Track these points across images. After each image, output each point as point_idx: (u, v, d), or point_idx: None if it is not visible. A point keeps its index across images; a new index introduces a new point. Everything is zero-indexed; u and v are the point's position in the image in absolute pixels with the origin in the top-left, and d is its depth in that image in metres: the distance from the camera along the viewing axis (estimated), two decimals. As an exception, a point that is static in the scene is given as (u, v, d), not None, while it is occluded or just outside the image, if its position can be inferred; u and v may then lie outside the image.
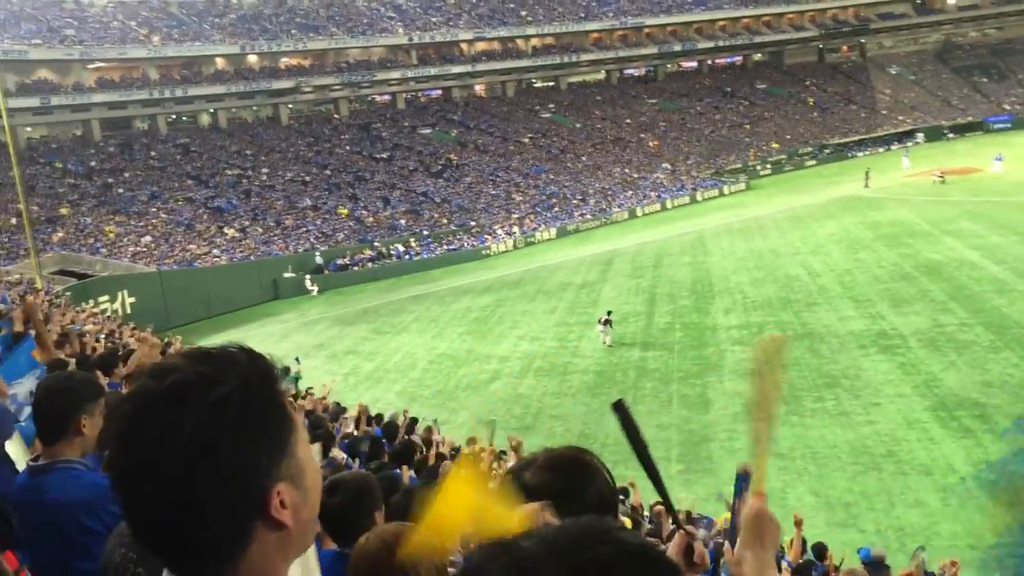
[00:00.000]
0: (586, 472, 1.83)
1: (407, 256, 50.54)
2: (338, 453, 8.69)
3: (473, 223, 55.63)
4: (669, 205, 60.22)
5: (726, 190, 62.90)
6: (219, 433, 1.19)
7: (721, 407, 21.00)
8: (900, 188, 51.99)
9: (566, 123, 73.85)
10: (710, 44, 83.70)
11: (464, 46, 75.53)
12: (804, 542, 11.29)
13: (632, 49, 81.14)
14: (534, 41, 78.60)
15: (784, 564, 10.57)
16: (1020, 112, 76.78)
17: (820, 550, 11.30)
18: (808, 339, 25.11)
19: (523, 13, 77.43)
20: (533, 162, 65.99)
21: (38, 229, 41.16)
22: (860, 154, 72.12)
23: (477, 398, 24.53)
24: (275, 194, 56.19)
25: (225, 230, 50.35)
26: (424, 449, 11.28)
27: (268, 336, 35.22)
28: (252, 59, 66.51)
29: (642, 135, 73.25)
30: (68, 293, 32.56)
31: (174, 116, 64.81)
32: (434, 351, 30.41)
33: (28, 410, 5.70)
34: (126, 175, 54.86)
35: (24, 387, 5.97)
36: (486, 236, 53.47)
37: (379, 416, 15.19)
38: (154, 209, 50.97)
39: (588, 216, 57.58)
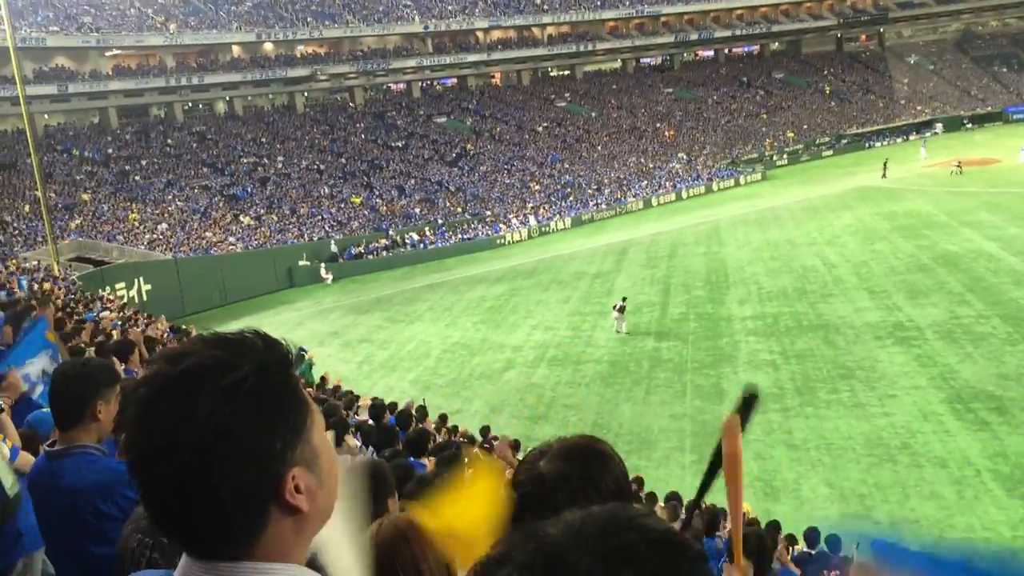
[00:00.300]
0: (600, 460, 1.82)
1: (422, 245, 50.61)
2: (352, 440, 8.72)
3: (488, 212, 55.64)
4: (684, 195, 60.01)
5: (742, 180, 62.60)
6: (233, 417, 1.20)
7: (735, 397, 20.77)
8: (918, 179, 51.60)
9: (582, 112, 73.64)
10: (727, 33, 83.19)
11: (480, 34, 75.37)
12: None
13: (648, 38, 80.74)
14: (550, 29, 78.33)
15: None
16: (1040, 102, 76.10)
17: (834, 542, 11.27)
18: (823, 330, 25.02)
19: (539, 1, 77.12)
20: (548, 151, 65.89)
21: (55, 216, 41.42)
22: (878, 144, 71.64)
23: (491, 387, 24.56)
24: (290, 182, 56.34)
25: (241, 218, 50.54)
26: (436, 437, 11.31)
27: (283, 324, 35.35)
28: (268, 47, 66.59)
29: (658, 124, 72.98)
30: (80, 283, 32.77)
31: (190, 104, 65.05)
32: (448, 340, 30.46)
33: (41, 388, 5.76)
34: (143, 163, 55.12)
35: (37, 366, 6.05)
36: (501, 225, 53.45)
37: (393, 404, 15.23)
38: (170, 197, 51.22)
39: (603, 205, 57.45)
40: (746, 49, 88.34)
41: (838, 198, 48.43)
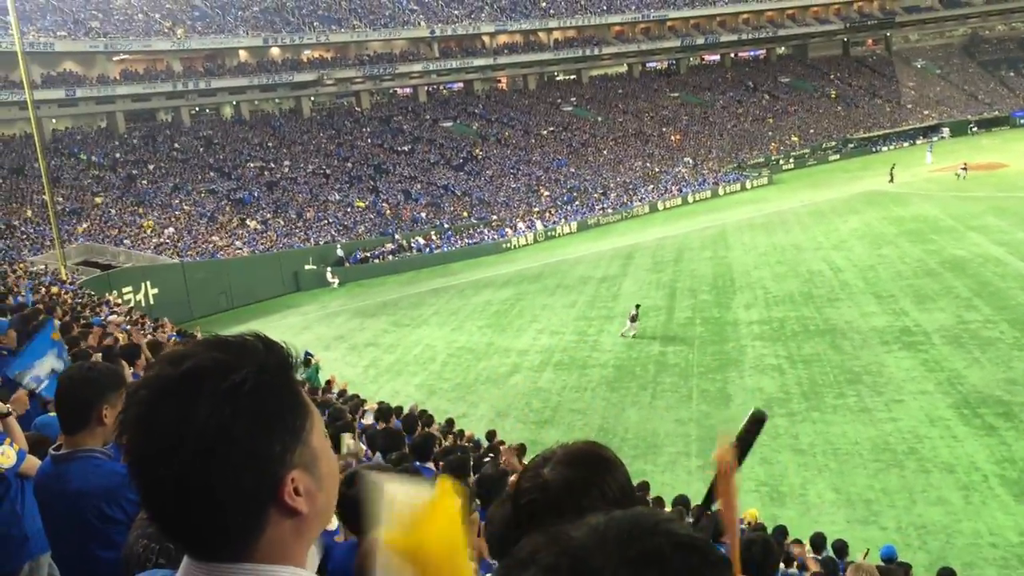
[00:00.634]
0: (604, 466, 1.82)
1: (427, 249, 50.63)
2: (349, 440, 8.70)
3: (494, 216, 55.66)
4: (691, 199, 59.94)
5: (748, 184, 62.53)
6: (233, 419, 1.20)
7: (741, 402, 20.89)
8: (924, 183, 51.48)
9: (588, 116, 73.67)
10: (733, 37, 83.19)
11: (486, 39, 75.49)
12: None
13: (654, 42, 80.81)
14: (556, 34, 78.41)
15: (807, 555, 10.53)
16: (1048, 107, 75.95)
17: (840, 547, 11.24)
18: (830, 335, 24.96)
19: (545, 6, 77.22)
20: (554, 155, 65.93)
21: (63, 220, 41.57)
22: (884, 149, 71.50)
23: (496, 391, 24.55)
24: (297, 186, 56.46)
25: (247, 222, 50.66)
26: (442, 441, 11.31)
27: (289, 328, 35.38)
28: (275, 52, 66.76)
29: (664, 129, 72.99)
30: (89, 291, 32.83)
31: (197, 108, 65.24)
32: (454, 344, 30.46)
33: (46, 383, 5.82)
34: (150, 167, 55.27)
35: (45, 366, 6.11)
36: (507, 229, 53.46)
37: (399, 408, 15.24)
38: (177, 201, 51.35)
39: (609, 210, 57.43)
40: (752, 53, 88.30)
41: (845, 202, 48.34)
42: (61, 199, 45.47)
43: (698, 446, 18.63)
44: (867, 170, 60.01)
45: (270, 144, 61.73)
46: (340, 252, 48.25)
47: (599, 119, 73.42)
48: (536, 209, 56.84)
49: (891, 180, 52.62)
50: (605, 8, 78.38)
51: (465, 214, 56.04)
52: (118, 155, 55.74)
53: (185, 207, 50.87)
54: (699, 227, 47.93)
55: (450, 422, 16.80)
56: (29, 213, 44.98)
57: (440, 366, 27.98)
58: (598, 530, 0.89)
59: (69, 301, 20.24)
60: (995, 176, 50.25)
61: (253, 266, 44.78)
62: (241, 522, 1.23)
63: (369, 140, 65.13)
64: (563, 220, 55.32)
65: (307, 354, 21.46)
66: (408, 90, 74.16)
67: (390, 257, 49.38)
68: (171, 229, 47.74)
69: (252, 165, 58.05)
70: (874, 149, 71.80)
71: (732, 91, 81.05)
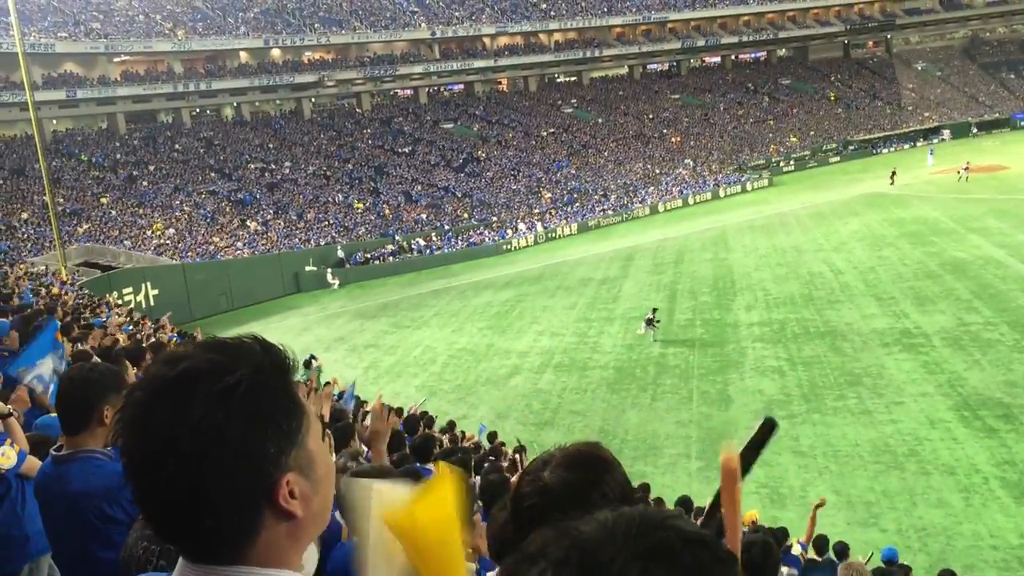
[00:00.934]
0: (603, 466, 1.82)
1: (428, 250, 50.63)
2: (359, 445, 8.70)
3: (494, 218, 55.67)
4: (691, 201, 59.96)
5: (749, 186, 62.55)
6: (226, 421, 1.20)
7: (742, 404, 20.90)
8: (924, 186, 51.49)
9: (588, 118, 73.70)
10: (734, 39, 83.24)
11: (487, 40, 75.53)
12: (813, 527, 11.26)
13: (655, 44, 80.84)
14: (557, 36, 78.45)
15: (799, 547, 10.56)
16: (1048, 109, 75.96)
17: (841, 549, 11.22)
18: (830, 337, 24.96)
19: (546, 7, 77.27)
20: (555, 157, 65.93)
21: (63, 221, 41.57)
22: (885, 151, 71.55)
23: (496, 393, 24.55)
24: (297, 188, 56.48)
25: (248, 223, 50.68)
26: (443, 443, 11.31)
27: (289, 329, 35.40)
28: (275, 53, 66.81)
29: (664, 130, 73.01)
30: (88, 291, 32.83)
31: (198, 109, 65.29)
32: (454, 346, 30.47)
33: (52, 387, 5.86)
34: (150, 168, 55.29)
35: (48, 366, 6.14)
36: (507, 231, 53.47)
37: (400, 409, 15.23)
38: (177, 202, 51.36)
39: (609, 211, 57.45)
40: (753, 55, 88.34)
41: (845, 204, 48.36)
42: (62, 200, 45.50)
43: (698, 448, 18.62)
44: (867, 172, 60.04)
45: (271, 145, 61.75)
46: (340, 253, 48.26)
47: (600, 121, 73.44)
48: (536, 211, 56.85)
49: (892, 183, 52.47)
50: (606, 10, 78.43)
51: (465, 215, 56.04)
52: (119, 156, 55.76)
53: (186, 208, 50.88)
54: (700, 229, 47.93)
55: (452, 424, 16.80)
56: (25, 215, 44.96)
57: (440, 367, 27.98)
58: (607, 525, 0.90)
59: (70, 302, 20.24)
60: (996, 178, 50.26)
61: (253, 267, 44.79)
62: (235, 524, 1.22)
63: (370, 141, 65.15)
64: (563, 221, 55.33)
65: (311, 357, 21.46)
66: (409, 91, 74.19)
67: (390, 258, 49.38)
68: (172, 230, 47.77)
69: (253, 166, 58.08)
70: (874, 151, 71.84)
71: (733, 93, 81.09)
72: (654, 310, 28.09)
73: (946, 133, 73.98)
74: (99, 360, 6.48)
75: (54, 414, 4.83)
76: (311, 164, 59.96)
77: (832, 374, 22.00)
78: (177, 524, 1.23)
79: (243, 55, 65.49)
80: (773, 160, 68.87)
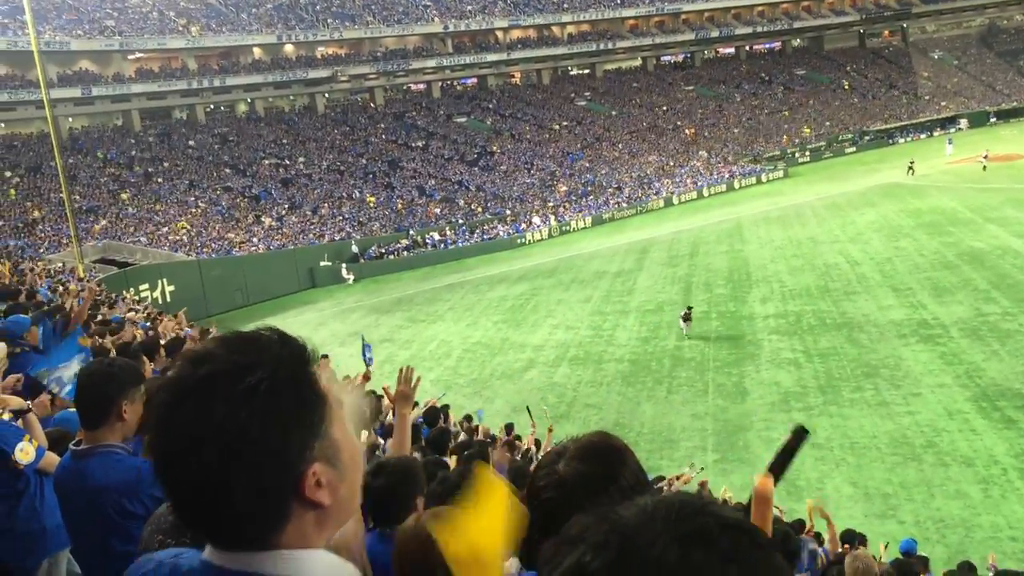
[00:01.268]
0: (617, 456, 1.83)
1: (442, 244, 50.67)
2: (374, 437, 8.73)
3: (508, 211, 55.64)
4: (706, 193, 59.75)
5: (764, 178, 62.27)
6: (249, 420, 1.23)
7: (758, 396, 20.84)
8: (942, 175, 51.14)
9: (602, 110, 73.50)
10: (748, 30, 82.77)
11: (500, 34, 75.41)
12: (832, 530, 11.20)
13: (669, 35, 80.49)
14: (570, 28, 78.25)
15: (821, 552, 10.50)
16: (1067, 97, 75.26)
17: (853, 538, 11.18)
18: (847, 328, 24.85)
19: (558, 0, 77.07)
20: (568, 150, 65.82)
21: (80, 218, 41.82)
22: (902, 140, 71.09)
23: (512, 386, 24.58)
24: (311, 183, 56.62)
25: (262, 219, 50.84)
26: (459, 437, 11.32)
27: (305, 324, 35.50)
28: (289, 48, 66.94)
29: (679, 122, 72.73)
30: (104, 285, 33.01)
31: (212, 106, 65.53)
32: (469, 339, 30.50)
33: (69, 387, 5.92)
34: (165, 164, 55.56)
35: (70, 370, 6.20)
36: (521, 224, 53.45)
37: (415, 403, 15.25)
38: (192, 198, 51.60)
39: (624, 204, 57.31)
40: (767, 46, 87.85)
41: (861, 195, 48.08)
42: (78, 197, 45.78)
43: (714, 440, 18.60)
44: (884, 162, 59.68)
45: (285, 141, 61.92)
46: (355, 248, 48.36)
47: (613, 113, 73.24)
48: (551, 204, 56.79)
49: (912, 172, 51.99)
50: (619, 2, 78.10)
51: (479, 209, 56.04)
52: (134, 153, 56.04)
53: (201, 204, 51.11)
54: (714, 221, 47.78)
55: (468, 418, 16.80)
56: (37, 213, 45.27)
57: (455, 361, 28.03)
58: (646, 510, 0.91)
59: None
60: (1013, 167, 49.84)
61: (268, 262, 44.94)
62: (263, 517, 1.26)
63: (383, 136, 65.22)
64: (578, 214, 55.24)
65: (323, 356, 21.46)
66: (422, 86, 74.19)
67: (405, 253, 49.46)
68: (187, 226, 47.97)
69: (267, 162, 58.27)
70: (891, 141, 71.36)
71: (747, 84, 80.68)
72: (689, 308, 27.82)
73: (963, 122, 73.39)
74: (117, 355, 6.53)
75: (73, 409, 4.86)
76: (325, 159, 60.09)
77: (849, 366, 21.91)
78: (206, 517, 1.27)
79: (256, 51, 65.65)
80: (788, 151, 68.51)
